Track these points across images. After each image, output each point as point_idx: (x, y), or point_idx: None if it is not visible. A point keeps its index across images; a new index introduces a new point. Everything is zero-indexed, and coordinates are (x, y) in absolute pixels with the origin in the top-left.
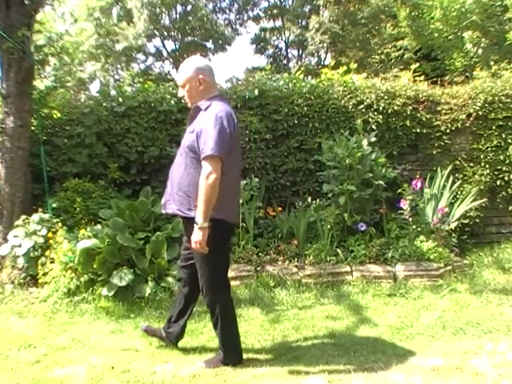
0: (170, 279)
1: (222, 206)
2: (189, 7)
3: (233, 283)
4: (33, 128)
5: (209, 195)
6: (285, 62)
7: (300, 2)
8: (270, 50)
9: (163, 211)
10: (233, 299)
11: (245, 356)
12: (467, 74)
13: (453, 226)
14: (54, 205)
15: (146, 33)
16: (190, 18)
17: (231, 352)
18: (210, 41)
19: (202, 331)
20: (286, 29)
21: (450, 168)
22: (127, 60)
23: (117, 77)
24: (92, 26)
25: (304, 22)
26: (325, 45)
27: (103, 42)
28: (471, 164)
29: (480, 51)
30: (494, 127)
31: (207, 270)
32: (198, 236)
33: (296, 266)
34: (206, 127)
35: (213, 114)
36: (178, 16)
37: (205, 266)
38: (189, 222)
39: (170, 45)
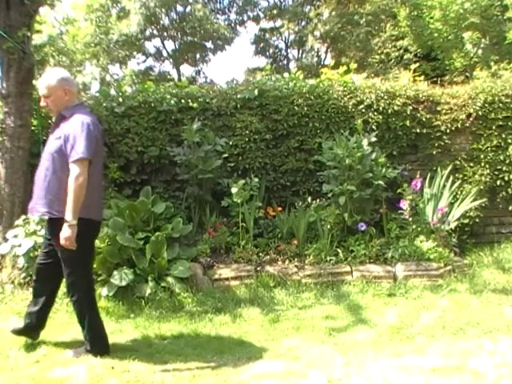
0: (170, 279)
1: (90, 206)
2: (188, 8)
3: (233, 283)
4: (33, 128)
5: (78, 195)
6: (285, 62)
7: (300, 2)
8: (270, 51)
9: (30, 214)
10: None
11: (244, 356)
12: (467, 73)
13: (453, 225)
14: None
15: (145, 33)
16: (191, 18)
17: (99, 344)
18: (210, 41)
19: (202, 331)
20: (286, 29)
21: (449, 168)
22: (125, 56)
23: (116, 76)
24: (90, 25)
25: (304, 22)
26: (325, 45)
27: (102, 39)
28: (471, 164)
29: (480, 51)
30: (494, 127)
31: (78, 267)
32: (67, 233)
33: (296, 266)
34: (73, 133)
35: (79, 121)
36: (177, 16)
37: (75, 264)
38: (57, 222)
39: (170, 45)
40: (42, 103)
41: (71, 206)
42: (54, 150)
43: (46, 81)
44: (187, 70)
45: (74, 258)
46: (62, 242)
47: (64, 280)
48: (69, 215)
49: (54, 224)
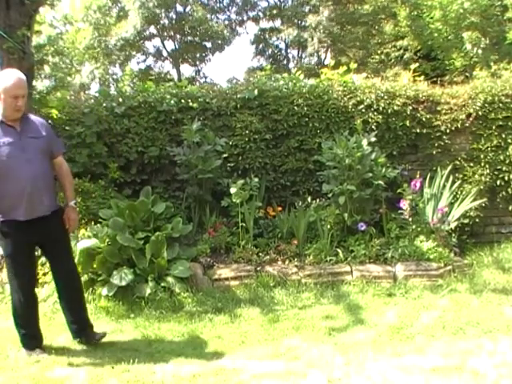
0: (169, 279)
1: None
2: (188, 8)
3: (233, 283)
4: None
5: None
6: (285, 62)
7: (299, 2)
8: (270, 51)
9: (34, 216)
10: None
11: (244, 356)
12: (467, 73)
13: (453, 225)
14: None
15: (144, 32)
16: (190, 18)
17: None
18: (209, 41)
19: (202, 331)
20: (285, 29)
21: (449, 168)
22: (125, 57)
23: (115, 76)
24: (89, 26)
25: (303, 23)
26: (324, 45)
27: (101, 40)
28: (471, 164)
29: (480, 51)
30: (494, 127)
31: (71, 247)
32: (76, 215)
33: (296, 266)
34: (51, 131)
35: (43, 120)
36: (176, 16)
37: (70, 245)
38: (57, 213)
39: (170, 45)
40: (20, 103)
41: (73, 191)
42: (40, 148)
43: (24, 82)
44: (187, 69)
45: (70, 240)
46: (73, 224)
47: (66, 271)
48: (74, 199)
49: (54, 216)
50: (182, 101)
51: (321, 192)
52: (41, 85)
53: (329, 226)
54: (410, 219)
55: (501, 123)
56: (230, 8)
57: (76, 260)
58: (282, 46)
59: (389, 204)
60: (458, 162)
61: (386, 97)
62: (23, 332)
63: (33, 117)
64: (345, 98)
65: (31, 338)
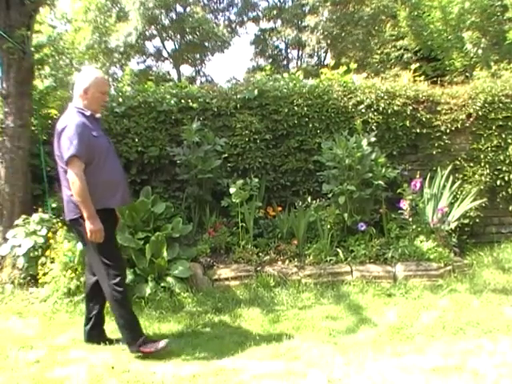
0: (170, 279)
1: None
2: (188, 8)
3: (232, 283)
4: (33, 128)
5: None
6: (285, 62)
7: (299, 3)
8: (270, 51)
9: (127, 202)
10: None
11: (244, 356)
12: (467, 73)
13: (453, 225)
14: (54, 205)
15: (145, 32)
16: (190, 19)
17: None
18: (209, 42)
19: (202, 331)
20: (285, 30)
21: (449, 168)
22: (126, 58)
23: (115, 76)
24: (89, 26)
25: (303, 23)
26: (324, 45)
27: (101, 41)
28: (471, 164)
29: (480, 51)
30: (494, 127)
31: None
32: None
33: (296, 266)
34: None
35: None
36: (177, 17)
37: None
38: None
39: (170, 45)
40: (107, 99)
41: None
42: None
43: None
44: (187, 70)
45: None
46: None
47: None
48: None
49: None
50: (182, 101)
51: (321, 192)
52: (41, 85)
53: (329, 226)
54: (410, 219)
55: (501, 123)
56: (230, 9)
57: (76, 260)
58: (282, 46)
59: (389, 204)
60: (458, 162)
61: (385, 97)
62: (130, 317)
63: None
64: (345, 98)
65: (138, 323)
